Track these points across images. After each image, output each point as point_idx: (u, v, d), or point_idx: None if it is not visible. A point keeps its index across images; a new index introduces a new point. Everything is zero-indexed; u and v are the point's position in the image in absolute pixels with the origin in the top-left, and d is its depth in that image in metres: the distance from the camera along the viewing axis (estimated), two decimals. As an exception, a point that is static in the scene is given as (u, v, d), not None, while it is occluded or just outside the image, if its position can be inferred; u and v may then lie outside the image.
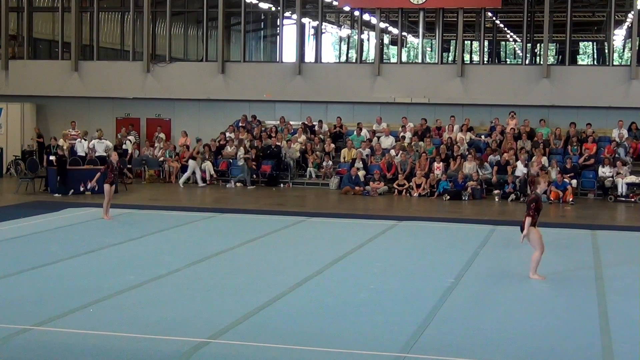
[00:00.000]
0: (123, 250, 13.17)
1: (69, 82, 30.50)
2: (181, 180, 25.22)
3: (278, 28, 31.19)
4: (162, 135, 28.85)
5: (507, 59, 39.99)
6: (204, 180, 25.65)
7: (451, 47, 33.79)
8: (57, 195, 21.71)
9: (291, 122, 28.64)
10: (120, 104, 30.58)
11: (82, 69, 30.51)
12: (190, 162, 25.68)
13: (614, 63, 28.97)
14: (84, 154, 24.95)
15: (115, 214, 17.47)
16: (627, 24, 30.44)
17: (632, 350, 7.92)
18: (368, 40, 33.88)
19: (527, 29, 29.17)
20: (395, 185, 23.89)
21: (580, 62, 37.18)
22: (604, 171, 23.21)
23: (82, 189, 21.90)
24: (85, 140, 25.68)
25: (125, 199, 21.14)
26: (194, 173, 25.73)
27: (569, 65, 27.98)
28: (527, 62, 29.36)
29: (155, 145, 27.60)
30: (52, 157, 23.01)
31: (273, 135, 27.27)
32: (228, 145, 26.93)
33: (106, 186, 16.62)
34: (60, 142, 25.39)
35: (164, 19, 30.73)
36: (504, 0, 27.56)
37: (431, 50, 35.38)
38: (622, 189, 22.57)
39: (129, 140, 27.85)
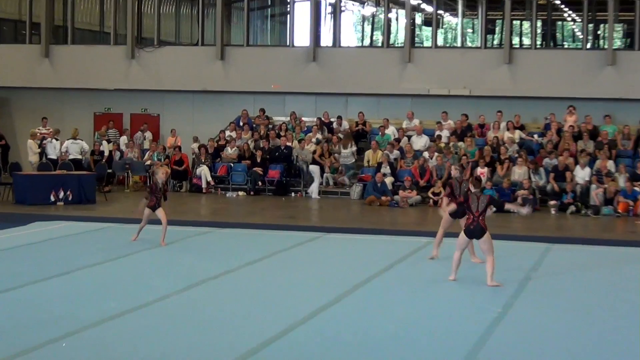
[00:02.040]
0: (102, 272, 13.18)
1: (38, 71, 30.68)
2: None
3: (288, 5, 31.25)
4: (147, 134, 28.96)
5: (565, 43, 39.86)
6: (198, 188, 25.71)
7: (497, 28, 33.69)
8: (24, 205, 21.73)
9: (304, 119, 28.64)
10: (99, 96, 30.71)
11: (53, 54, 30.68)
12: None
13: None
14: (55, 157, 25.07)
15: (94, 228, 17.53)
16: None
17: None
18: (397, 19, 33.83)
19: (589, 7, 29.04)
20: (429, 195, 23.84)
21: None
22: (683, 178, 23.07)
23: (53, 198, 21.97)
24: (57, 140, 25.80)
25: (104, 210, 21.19)
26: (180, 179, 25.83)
27: (639, 50, 27.85)
28: (588, 46, 29.24)
29: (136, 144, 27.68)
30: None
31: (282, 134, 27.30)
32: (229, 146, 26.99)
33: (146, 212, 15.83)
34: (29, 142, 25.54)
35: (152, -6, 30.93)
36: (560, -28, 27.54)
37: (473, 32, 35.27)
38: None
39: (106, 141, 27.95)
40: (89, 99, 30.80)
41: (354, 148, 26.80)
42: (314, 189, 25.21)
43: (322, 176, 25.96)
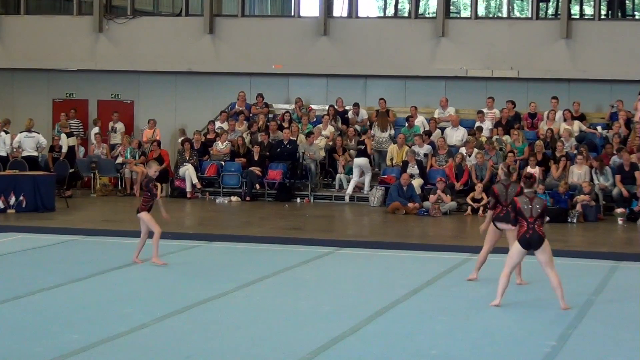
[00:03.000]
0: (63, 297, 13.19)
1: (-17, 48, 30.81)
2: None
3: (293, -34, 31.25)
4: (118, 125, 28.99)
5: (637, 12, 39.76)
6: (182, 192, 25.77)
7: (552, -5, 33.65)
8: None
9: (313, 106, 28.66)
10: (59, 79, 30.80)
11: (3, 27, 30.78)
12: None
13: None
14: (5, 154, 25.09)
15: (53, 242, 17.54)
16: None
17: None
18: (427, -16, 33.82)
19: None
20: (468, 201, 23.82)
21: None
22: None
23: (2, 204, 21.99)
24: (7, 133, 25.82)
25: (65, 220, 21.22)
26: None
27: None
28: (665, 16, 29.20)
29: (111, 140, 27.79)
30: None
31: (285, 125, 27.33)
32: (219, 141, 27.02)
33: (144, 215, 15.61)
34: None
35: (124, -47, 30.97)
36: None
37: (522, 0, 35.26)
38: None
39: (66, 134, 27.92)
40: (47, 83, 30.89)
41: (392, 131, 26.90)
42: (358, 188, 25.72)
43: (334, 177, 26.06)
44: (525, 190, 12.94)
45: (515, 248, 12.76)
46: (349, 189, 25.69)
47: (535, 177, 14.69)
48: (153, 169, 15.87)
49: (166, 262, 15.62)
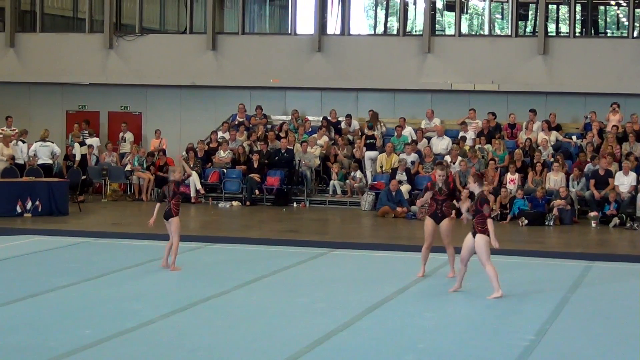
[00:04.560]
0: (76, 295, 13.20)
1: (2, 62, 30.76)
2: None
3: (290, -12, 31.28)
4: (127, 135, 29.02)
5: (608, 30, 39.84)
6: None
7: (530, 14, 33.70)
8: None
9: (308, 117, 28.68)
10: (72, 92, 30.81)
11: (20, 44, 30.78)
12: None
13: None
14: (22, 162, 25.10)
15: (66, 244, 17.53)
16: None
17: None
18: (415, 3, 33.85)
19: (636, -12, 29.08)
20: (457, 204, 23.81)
21: None
22: None
23: (19, 209, 22.00)
24: (24, 142, 25.84)
25: (78, 223, 21.23)
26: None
27: (694, 38, 27.87)
28: (635, 34, 29.23)
29: (121, 149, 27.79)
30: None
31: (283, 135, 27.34)
32: (221, 150, 27.04)
33: (177, 220, 15.19)
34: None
35: (133, -25, 30.98)
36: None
37: (502, 18, 35.28)
38: None
39: (79, 143, 27.90)
40: (61, 95, 30.90)
41: (384, 129, 27.00)
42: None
43: (328, 183, 26.10)
44: (478, 190, 13.50)
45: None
46: (370, 179, 26.01)
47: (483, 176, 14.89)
48: (177, 173, 15.47)
49: (180, 268, 15.44)
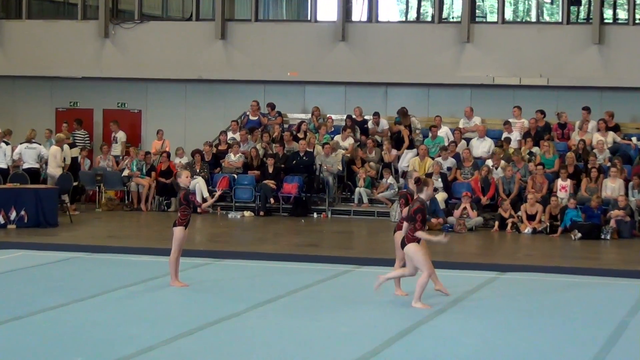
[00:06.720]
0: (66, 317, 13.17)
1: (-17, 54, 30.92)
2: None
3: (310, -31, 31.29)
4: (120, 134, 28.93)
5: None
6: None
7: (583, -1, 33.62)
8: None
9: (331, 116, 28.64)
10: (62, 87, 30.90)
11: (4, 32, 30.88)
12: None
13: None
14: (5, 166, 25.11)
15: (55, 259, 17.53)
16: None
17: None
18: (452, -13, 33.83)
19: None
20: (495, 216, 23.77)
21: None
22: None
23: (2, 219, 22.01)
24: (7, 144, 25.86)
25: (69, 236, 21.25)
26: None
27: None
28: None
29: (112, 151, 27.81)
30: None
31: (301, 136, 27.32)
32: (231, 152, 27.02)
33: (178, 230, 15.22)
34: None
35: (132, -45, 31.06)
36: None
37: (551, 3, 35.20)
38: None
39: (68, 145, 27.91)
40: (50, 91, 31.00)
41: (419, 128, 27.14)
42: None
43: (353, 191, 26.04)
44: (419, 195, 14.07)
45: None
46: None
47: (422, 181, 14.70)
48: (184, 177, 15.34)
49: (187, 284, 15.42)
